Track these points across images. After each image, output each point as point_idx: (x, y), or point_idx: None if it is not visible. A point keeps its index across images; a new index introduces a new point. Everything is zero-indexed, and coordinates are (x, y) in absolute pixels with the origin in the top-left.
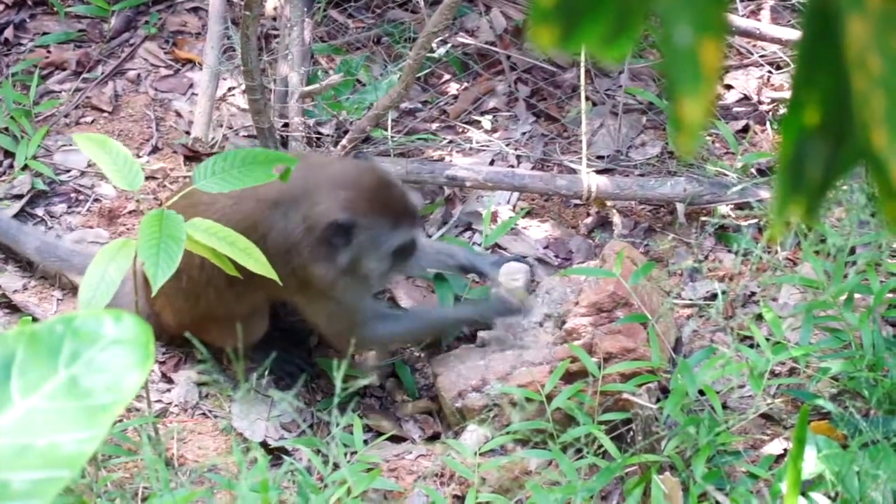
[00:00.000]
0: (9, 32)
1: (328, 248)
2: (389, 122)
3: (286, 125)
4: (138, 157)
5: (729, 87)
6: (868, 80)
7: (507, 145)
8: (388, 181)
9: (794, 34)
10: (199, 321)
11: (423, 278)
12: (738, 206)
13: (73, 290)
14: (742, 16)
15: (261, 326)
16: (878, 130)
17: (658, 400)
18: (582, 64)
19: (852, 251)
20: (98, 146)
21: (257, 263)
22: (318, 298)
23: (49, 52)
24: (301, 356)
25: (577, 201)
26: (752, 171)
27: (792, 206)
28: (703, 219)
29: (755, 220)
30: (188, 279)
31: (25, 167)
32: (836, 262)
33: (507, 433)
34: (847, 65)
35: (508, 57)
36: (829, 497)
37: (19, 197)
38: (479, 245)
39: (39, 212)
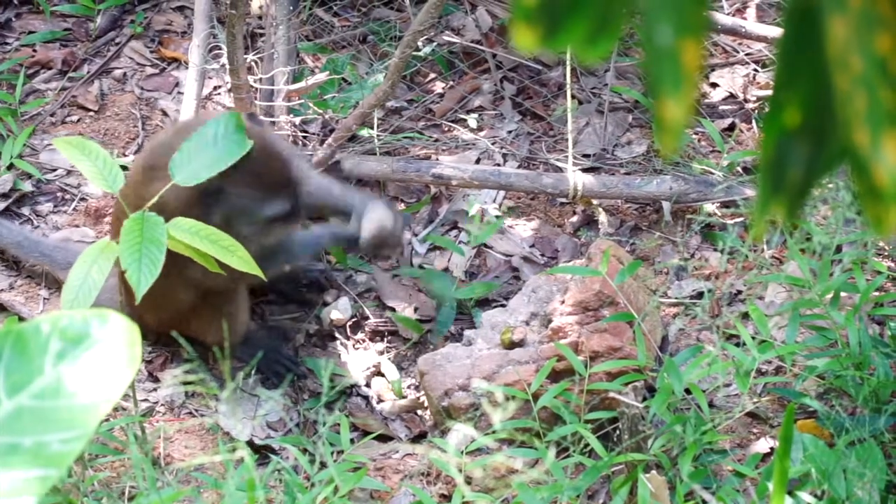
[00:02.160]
0: None
1: (204, 208)
2: (375, 120)
3: (272, 124)
4: (124, 156)
5: (715, 85)
6: (849, 80)
7: (493, 144)
8: (268, 148)
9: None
10: (179, 315)
11: (410, 276)
12: (724, 205)
13: (59, 289)
14: (728, 14)
15: (243, 316)
16: (859, 130)
17: (644, 399)
18: (568, 62)
19: (838, 249)
20: (77, 148)
21: (241, 261)
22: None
23: (35, 50)
24: (288, 355)
25: (564, 200)
26: (738, 169)
27: (774, 206)
28: (689, 217)
29: (741, 219)
30: None
31: (11, 166)
32: (822, 261)
33: (494, 432)
34: (828, 65)
35: (494, 55)
36: (816, 496)
37: (5, 196)
38: (465, 244)
39: (25, 211)
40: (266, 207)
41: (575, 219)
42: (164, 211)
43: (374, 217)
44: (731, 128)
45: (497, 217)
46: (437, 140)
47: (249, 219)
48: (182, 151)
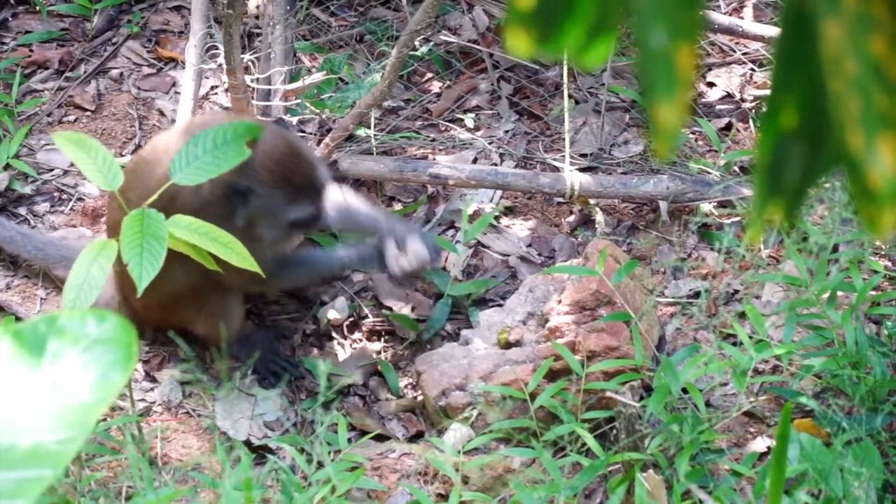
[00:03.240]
0: None
1: (229, 208)
2: (372, 120)
3: (279, 118)
4: (121, 155)
5: (711, 84)
6: (844, 83)
7: (489, 143)
8: (297, 152)
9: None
10: (165, 302)
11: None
12: (721, 204)
13: (56, 288)
14: (724, 13)
15: (234, 312)
16: (853, 133)
17: (641, 398)
18: (565, 62)
19: (835, 249)
20: (77, 146)
21: (239, 258)
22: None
23: (31, 50)
24: (285, 355)
25: (560, 199)
26: (735, 169)
27: (771, 206)
28: (686, 217)
29: (738, 218)
30: None
31: (7, 166)
32: (819, 260)
33: (491, 431)
34: (823, 67)
35: (491, 55)
36: (813, 495)
37: (1, 196)
38: (460, 242)
39: (22, 211)
40: (291, 210)
41: (572, 218)
42: (183, 208)
43: (414, 250)
44: (728, 127)
45: (489, 212)
46: (434, 140)
47: (273, 221)
48: (182, 152)
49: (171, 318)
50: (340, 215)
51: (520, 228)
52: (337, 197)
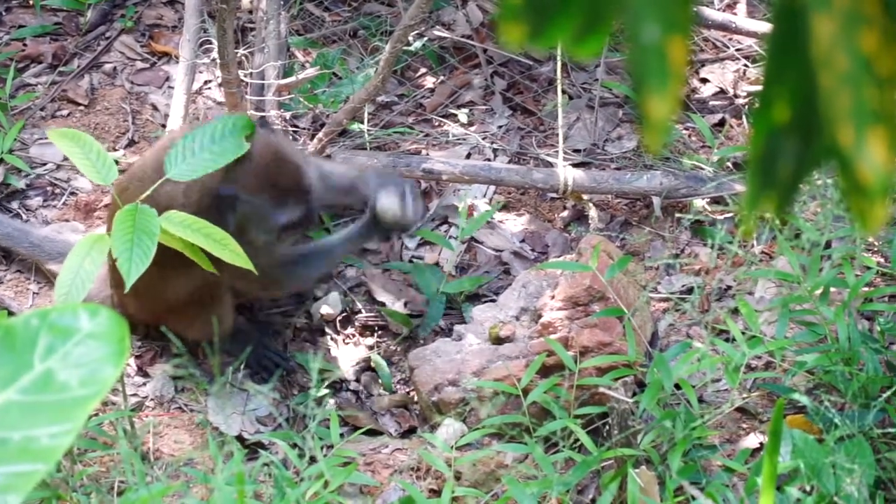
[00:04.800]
0: None
1: (218, 214)
2: (366, 115)
3: (262, 118)
4: (114, 150)
5: (705, 80)
6: (834, 78)
7: (483, 139)
8: (281, 156)
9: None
10: (153, 303)
11: (399, 271)
12: (714, 201)
13: (48, 283)
14: (718, 9)
15: (225, 314)
16: (844, 128)
17: (634, 394)
18: (558, 57)
19: (828, 245)
20: (71, 141)
21: (232, 254)
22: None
23: (25, 45)
24: (276, 350)
25: (554, 195)
26: (729, 164)
27: (764, 202)
28: (679, 213)
29: (731, 215)
30: None
31: (1, 161)
32: (812, 256)
33: (483, 427)
34: (815, 62)
35: (485, 50)
36: (805, 491)
37: None
38: (455, 238)
39: (15, 205)
40: (280, 214)
41: (565, 214)
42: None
43: (386, 205)
44: (722, 123)
45: (487, 210)
46: (427, 135)
47: (263, 226)
48: (178, 148)
49: (165, 323)
50: (328, 189)
51: (513, 224)
52: (323, 170)
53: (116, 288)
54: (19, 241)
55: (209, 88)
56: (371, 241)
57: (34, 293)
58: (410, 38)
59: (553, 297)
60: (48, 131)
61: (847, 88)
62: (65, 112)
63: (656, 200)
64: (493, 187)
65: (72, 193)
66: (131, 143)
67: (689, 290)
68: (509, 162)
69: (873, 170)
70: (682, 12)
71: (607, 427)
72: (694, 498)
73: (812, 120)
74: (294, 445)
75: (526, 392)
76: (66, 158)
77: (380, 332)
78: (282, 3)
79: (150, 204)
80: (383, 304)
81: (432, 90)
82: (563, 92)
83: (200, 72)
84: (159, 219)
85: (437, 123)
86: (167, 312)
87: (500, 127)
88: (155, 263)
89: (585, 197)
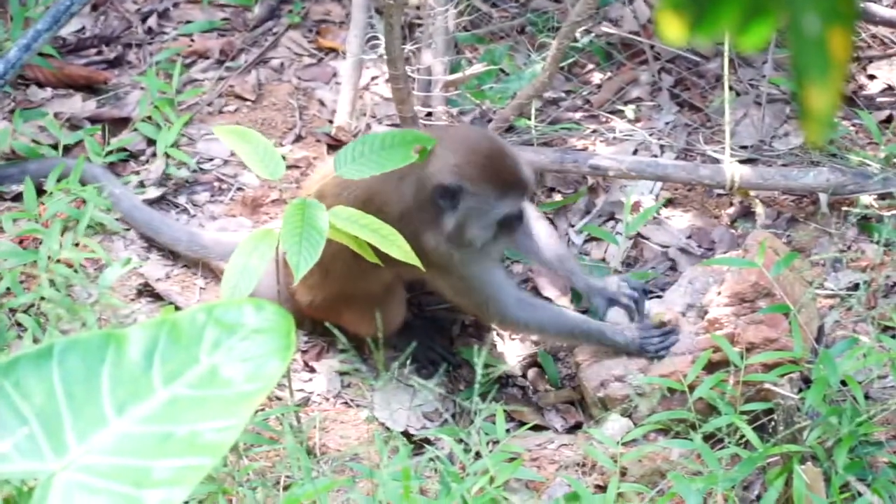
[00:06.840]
0: (153, 21)
1: (435, 211)
2: (533, 111)
3: (429, 114)
4: (281, 145)
5: (872, 77)
6: None
7: (650, 135)
8: (502, 149)
9: None
10: (331, 302)
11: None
12: (881, 196)
13: (215, 278)
14: (886, 6)
15: (397, 311)
16: None
17: (800, 390)
18: (726, 53)
19: None
20: (239, 137)
21: (400, 250)
22: (440, 272)
23: (192, 40)
24: (443, 345)
25: (720, 191)
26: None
27: None
28: (846, 209)
29: None
30: None
31: (165, 155)
32: None
33: (649, 423)
34: None
35: (652, 46)
36: None
37: (160, 185)
38: (621, 234)
39: (182, 200)
40: (501, 206)
41: (732, 210)
42: (382, 214)
43: (615, 318)
44: (889, 119)
45: (652, 206)
46: (594, 131)
47: (484, 220)
48: (348, 149)
49: (338, 320)
50: (552, 257)
51: (679, 220)
52: (529, 225)
53: (287, 287)
54: (189, 245)
55: (376, 84)
56: (608, 344)
57: (201, 288)
58: (578, 35)
59: (719, 294)
60: (214, 128)
61: None
62: (232, 107)
63: (823, 197)
64: (659, 183)
65: (238, 189)
66: (298, 138)
67: (856, 287)
68: (676, 158)
69: None
70: (843, 4)
71: (773, 423)
72: (860, 494)
73: None
74: (460, 441)
75: (692, 388)
76: (232, 154)
77: None
78: None
79: (357, 205)
80: (549, 300)
81: (599, 86)
82: (731, 88)
83: (367, 67)
84: (328, 213)
85: (603, 119)
86: (339, 308)
87: (667, 123)
88: (352, 258)
89: (752, 193)
